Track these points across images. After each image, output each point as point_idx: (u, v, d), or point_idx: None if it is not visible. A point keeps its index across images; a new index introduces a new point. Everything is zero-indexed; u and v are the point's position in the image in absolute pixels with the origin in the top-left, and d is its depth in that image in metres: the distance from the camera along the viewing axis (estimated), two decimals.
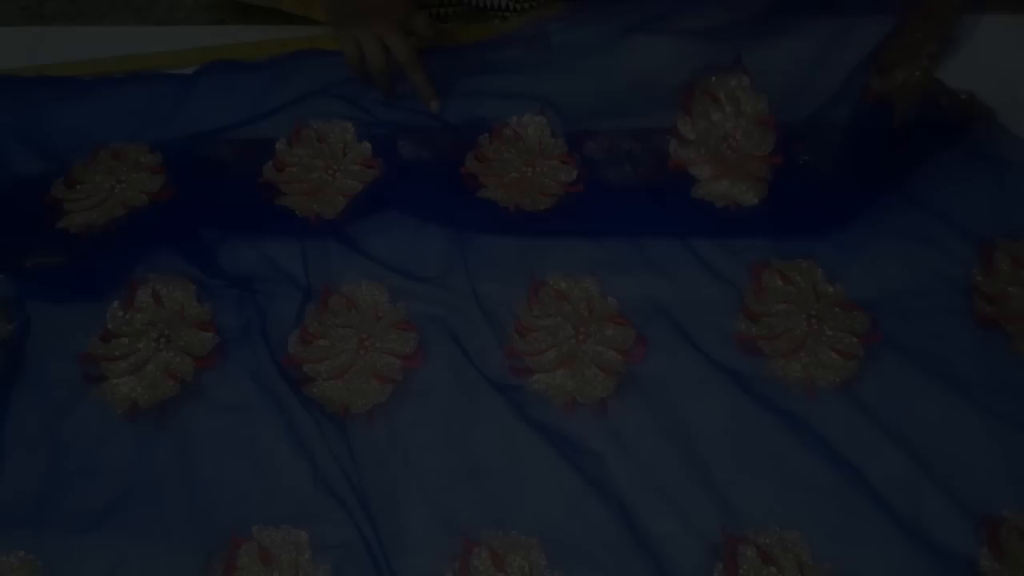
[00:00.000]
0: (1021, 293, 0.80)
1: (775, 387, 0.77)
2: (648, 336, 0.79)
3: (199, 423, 0.77)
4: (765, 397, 0.76)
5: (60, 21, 1.15)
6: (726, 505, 0.71)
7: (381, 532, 0.71)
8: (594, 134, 0.92)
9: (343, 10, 0.82)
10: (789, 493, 0.72)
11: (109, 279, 0.85)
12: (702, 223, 0.86)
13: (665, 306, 0.81)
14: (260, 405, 0.77)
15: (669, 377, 0.77)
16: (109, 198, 0.90)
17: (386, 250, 0.86)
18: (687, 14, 0.92)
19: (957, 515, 0.70)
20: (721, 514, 0.71)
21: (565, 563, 0.70)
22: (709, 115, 0.91)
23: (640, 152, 0.90)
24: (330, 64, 0.95)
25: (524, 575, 0.69)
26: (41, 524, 0.72)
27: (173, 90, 0.98)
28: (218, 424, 0.77)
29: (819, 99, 0.89)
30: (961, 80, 0.93)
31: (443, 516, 0.72)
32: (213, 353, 0.80)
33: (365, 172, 0.91)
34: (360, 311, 0.82)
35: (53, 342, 0.82)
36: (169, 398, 0.78)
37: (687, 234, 0.85)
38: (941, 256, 0.83)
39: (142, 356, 0.80)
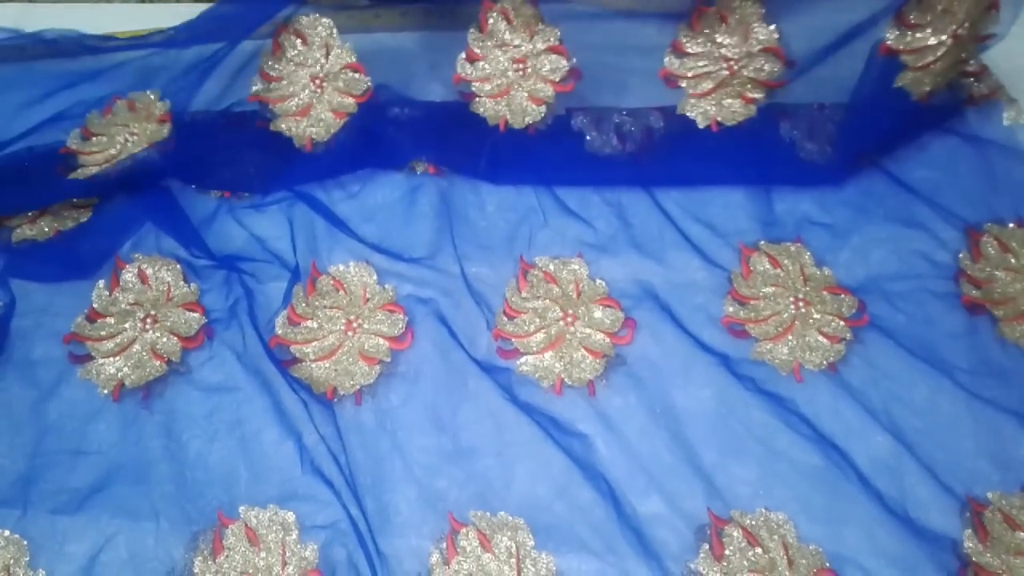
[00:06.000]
0: (1008, 277, 0.80)
1: (762, 369, 0.77)
2: (636, 318, 0.80)
3: (185, 404, 0.77)
4: (752, 379, 0.76)
5: None
6: (712, 486, 0.72)
7: (368, 512, 0.71)
8: (585, 109, 0.92)
9: None
10: (775, 475, 0.72)
11: (95, 258, 0.84)
12: (684, 142, 0.89)
13: (653, 288, 0.81)
14: (247, 386, 0.77)
15: (657, 359, 0.78)
16: (122, 152, 0.89)
17: (374, 231, 0.86)
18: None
19: (942, 497, 0.71)
20: (707, 495, 0.71)
21: (552, 543, 0.70)
22: (714, 33, 0.92)
23: (629, 128, 0.91)
24: None
25: (511, 555, 0.69)
26: (27, 504, 0.72)
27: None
28: (205, 405, 0.77)
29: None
30: None
31: (430, 497, 0.72)
32: (200, 333, 0.80)
33: (354, 81, 0.92)
34: (348, 292, 0.82)
35: (38, 321, 0.81)
36: (155, 378, 0.78)
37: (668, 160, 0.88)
38: (929, 240, 0.83)
39: (128, 336, 0.80)
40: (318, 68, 0.92)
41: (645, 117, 0.92)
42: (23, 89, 0.95)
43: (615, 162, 0.88)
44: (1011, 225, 0.84)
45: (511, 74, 0.91)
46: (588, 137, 0.90)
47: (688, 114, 0.90)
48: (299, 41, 0.93)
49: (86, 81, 0.95)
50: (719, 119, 0.90)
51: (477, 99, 0.92)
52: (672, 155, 0.89)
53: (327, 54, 0.93)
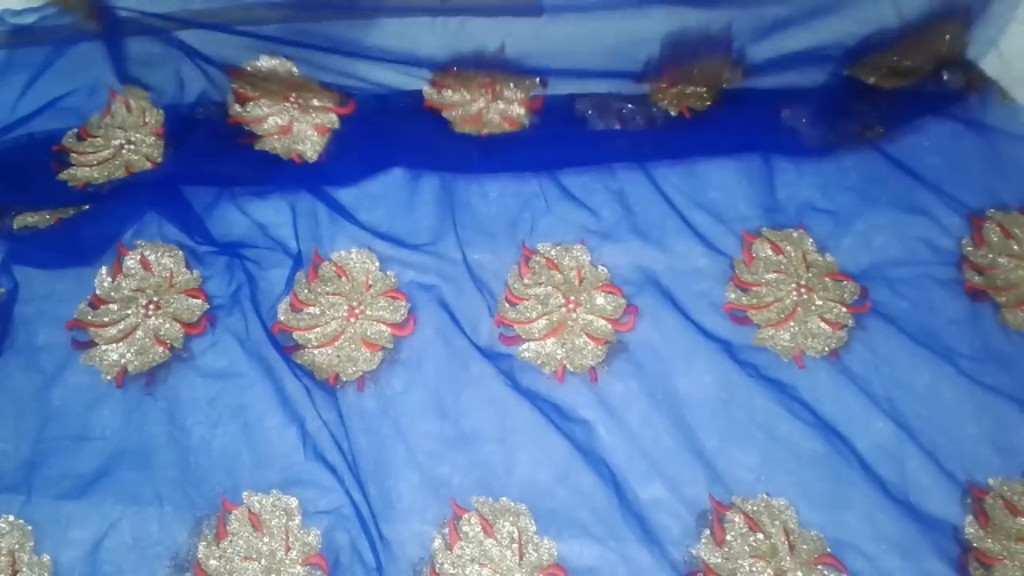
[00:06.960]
0: (1011, 264, 0.80)
1: (764, 356, 0.77)
2: (638, 304, 0.80)
3: (189, 389, 0.77)
4: (754, 366, 0.76)
5: None
6: (714, 472, 0.72)
7: (371, 498, 0.71)
8: (586, 94, 0.92)
9: None
10: (777, 461, 0.72)
11: (97, 245, 0.84)
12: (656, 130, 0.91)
13: (655, 275, 0.81)
14: (250, 372, 0.77)
15: (659, 346, 0.78)
16: (116, 157, 0.89)
17: (377, 217, 0.86)
18: None
19: (944, 483, 0.71)
20: (709, 481, 0.72)
21: (554, 529, 0.70)
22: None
23: (629, 112, 0.91)
24: None
25: (513, 541, 0.69)
26: (31, 489, 0.73)
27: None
28: (208, 391, 0.77)
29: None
30: None
31: (433, 482, 0.72)
32: (202, 320, 0.80)
33: (333, 96, 0.93)
34: (350, 279, 0.82)
35: (41, 308, 0.81)
36: (158, 364, 0.78)
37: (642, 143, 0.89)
38: (932, 226, 0.83)
39: (131, 322, 0.80)
40: (299, 90, 0.93)
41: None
42: (13, 74, 0.94)
43: (613, 143, 0.89)
44: (1014, 211, 0.83)
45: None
46: (587, 120, 0.91)
47: (660, 104, 0.92)
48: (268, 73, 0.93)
49: (75, 65, 0.95)
50: (689, 105, 0.91)
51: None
52: (665, 132, 0.90)
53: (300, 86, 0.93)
